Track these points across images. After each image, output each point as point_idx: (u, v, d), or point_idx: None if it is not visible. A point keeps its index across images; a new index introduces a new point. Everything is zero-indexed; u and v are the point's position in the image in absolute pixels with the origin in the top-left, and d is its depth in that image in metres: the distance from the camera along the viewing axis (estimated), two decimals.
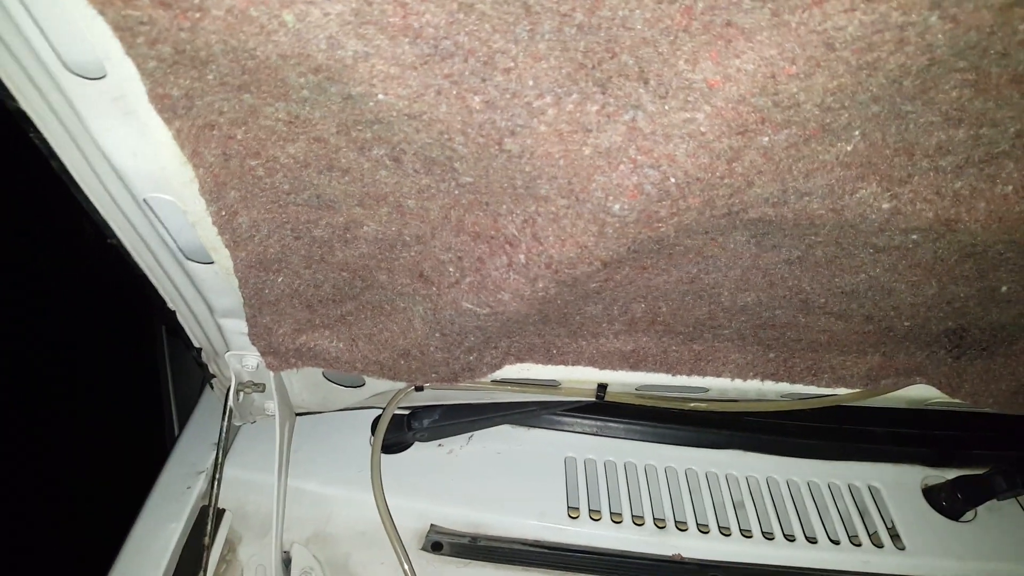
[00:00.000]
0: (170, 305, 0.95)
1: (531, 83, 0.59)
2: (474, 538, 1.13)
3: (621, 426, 1.29)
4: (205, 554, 1.01)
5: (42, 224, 2.03)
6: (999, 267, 0.80)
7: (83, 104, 0.64)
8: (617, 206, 0.68)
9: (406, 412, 1.24)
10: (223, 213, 0.75)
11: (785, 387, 1.03)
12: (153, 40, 0.54)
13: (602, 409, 1.27)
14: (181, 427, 1.30)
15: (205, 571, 1.00)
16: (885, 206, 0.69)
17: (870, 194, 0.68)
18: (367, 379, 1.07)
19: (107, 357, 2.18)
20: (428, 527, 1.15)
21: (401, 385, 1.10)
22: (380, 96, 0.59)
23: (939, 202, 0.69)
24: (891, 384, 1.02)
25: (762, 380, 1.01)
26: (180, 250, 0.83)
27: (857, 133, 0.63)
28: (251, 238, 0.79)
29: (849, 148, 0.64)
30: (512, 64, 0.58)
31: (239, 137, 0.67)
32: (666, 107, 0.60)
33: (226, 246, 0.79)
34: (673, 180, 0.64)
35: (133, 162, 0.70)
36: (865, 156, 0.65)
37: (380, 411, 1.22)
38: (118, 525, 1.13)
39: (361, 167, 0.70)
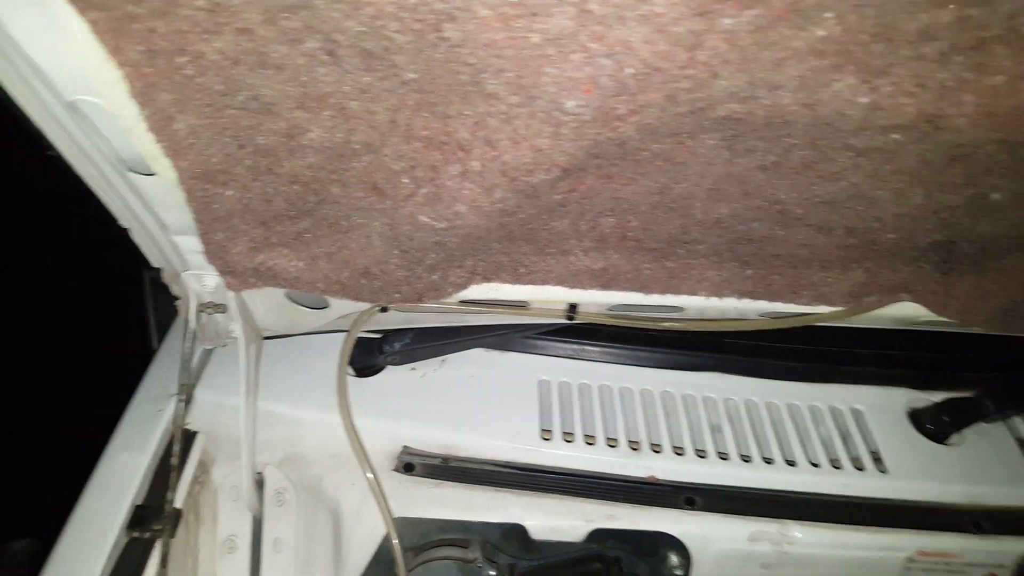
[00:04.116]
0: (122, 222, 0.91)
1: None
2: (445, 459, 1.13)
3: (597, 349, 1.26)
4: (173, 475, 1.00)
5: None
6: (989, 172, 0.75)
7: None
8: (571, 103, 0.63)
9: (378, 335, 1.22)
10: (157, 118, 0.70)
11: (764, 306, 0.99)
12: None
13: (578, 332, 1.25)
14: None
15: (173, 492, 1.00)
16: (863, 100, 0.64)
17: (846, 87, 0.63)
18: (331, 301, 1.04)
19: (92, 284, 2.16)
20: (400, 449, 1.14)
21: (366, 306, 1.07)
22: None
23: (922, 95, 0.63)
24: (875, 302, 0.98)
25: (739, 298, 0.97)
26: (119, 160, 0.78)
27: (831, 15, 0.57)
28: (191, 146, 0.74)
29: (822, 33, 0.58)
30: None
31: (161, 30, 0.62)
32: None
33: (166, 155, 0.74)
34: (630, 71, 0.59)
35: (52, 60, 0.65)
36: (840, 43, 0.59)
37: None
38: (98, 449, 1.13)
39: (296, 63, 0.65)
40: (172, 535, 1.00)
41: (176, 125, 0.71)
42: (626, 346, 1.25)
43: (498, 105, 0.65)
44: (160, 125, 0.71)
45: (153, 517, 1.02)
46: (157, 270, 1.02)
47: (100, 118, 0.73)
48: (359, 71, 0.66)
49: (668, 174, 0.77)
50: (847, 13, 0.57)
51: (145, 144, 0.73)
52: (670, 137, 0.70)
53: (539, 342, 1.26)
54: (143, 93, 0.67)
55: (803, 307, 1.00)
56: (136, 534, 1.01)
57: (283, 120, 0.73)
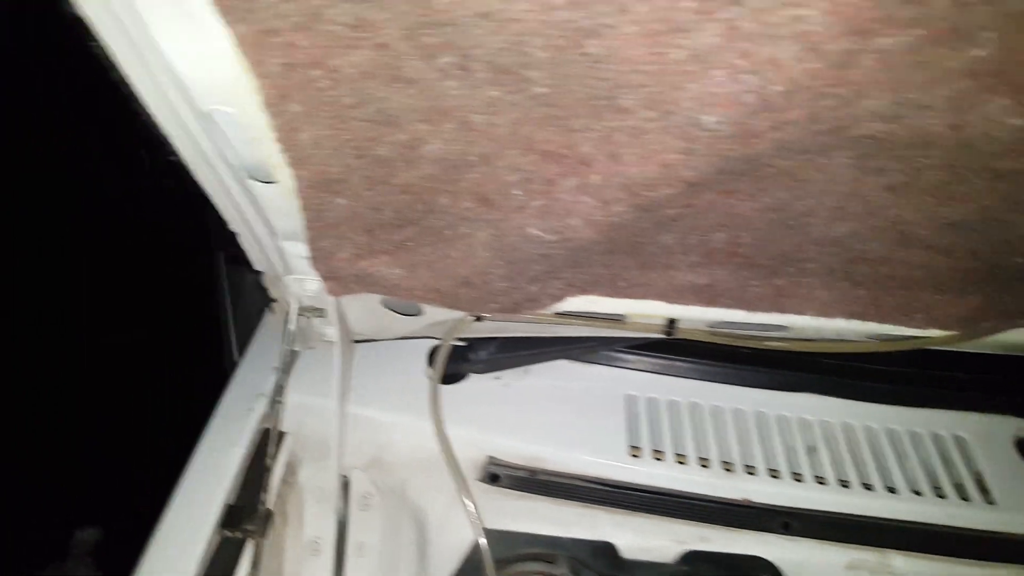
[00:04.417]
0: (232, 226, 0.93)
1: None
2: (533, 471, 1.12)
3: (686, 365, 1.24)
4: (266, 475, 1.02)
5: (102, 152, 2.05)
6: None
7: (143, 4, 0.61)
8: (709, 119, 0.61)
9: (462, 343, 1.22)
10: (285, 128, 0.72)
11: (872, 327, 0.96)
12: None
13: (665, 346, 1.23)
14: (240, 351, 1.31)
15: (266, 491, 1.01)
16: (1015, 122, 0.61)
17: (998, 108, 0.60)
18: (426, 308, 1.05)
19: (167, 283, 2.23)
20: (484, 458, 1.14)
21: (460, 315, 1.07)
22: None
23: None
24: (991, 327, 0.94)
25: (847, 319, 0.94)
26: (242, 167, 0.80)
27: (991, 35, 0.54)
28: (313, 156, 0.76)
29: (979, 53, 0.56)
30: None
31: (302, 44, 0.63)
32: (772, 1, 0.53)
33: (288, 164, 0.76)
34: (776, 88, 0.58)
35: (195, 71, 0.67)
36: (997, 63, 0.56)
37: (438, 340, 1.21)
38: (182, 447, 1.15)
39: (427, 77, 0.65)
40: (264, 536, 1.02)
41: (302, 135, 0.73)
42: (716, 363, 1.22)
43: (629, 120, 0.65)
44: (287, 135, 0.72)
45: (244, 517, 1.04)
46: (237, 275, 1.04)
47: (230, 127, 0.74)
48: (487, 85, 0.66)
49: (791, 191, 0.75)
50: (1010, 33, 0.54)
51: (270, 153, 0.75)
52: (801, 154, 0.68)
53: (625, 356, 1.25)
54: (275, 104, 0.68)
55: (913, 330, 0.96)
56: (229, 533, 1.03)
57: (404, 132, 0.73)
